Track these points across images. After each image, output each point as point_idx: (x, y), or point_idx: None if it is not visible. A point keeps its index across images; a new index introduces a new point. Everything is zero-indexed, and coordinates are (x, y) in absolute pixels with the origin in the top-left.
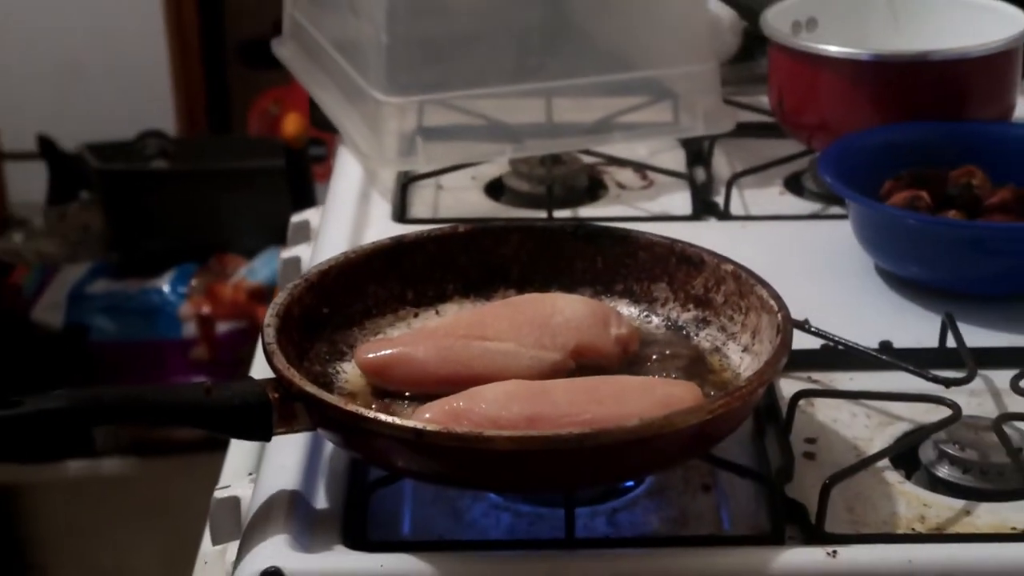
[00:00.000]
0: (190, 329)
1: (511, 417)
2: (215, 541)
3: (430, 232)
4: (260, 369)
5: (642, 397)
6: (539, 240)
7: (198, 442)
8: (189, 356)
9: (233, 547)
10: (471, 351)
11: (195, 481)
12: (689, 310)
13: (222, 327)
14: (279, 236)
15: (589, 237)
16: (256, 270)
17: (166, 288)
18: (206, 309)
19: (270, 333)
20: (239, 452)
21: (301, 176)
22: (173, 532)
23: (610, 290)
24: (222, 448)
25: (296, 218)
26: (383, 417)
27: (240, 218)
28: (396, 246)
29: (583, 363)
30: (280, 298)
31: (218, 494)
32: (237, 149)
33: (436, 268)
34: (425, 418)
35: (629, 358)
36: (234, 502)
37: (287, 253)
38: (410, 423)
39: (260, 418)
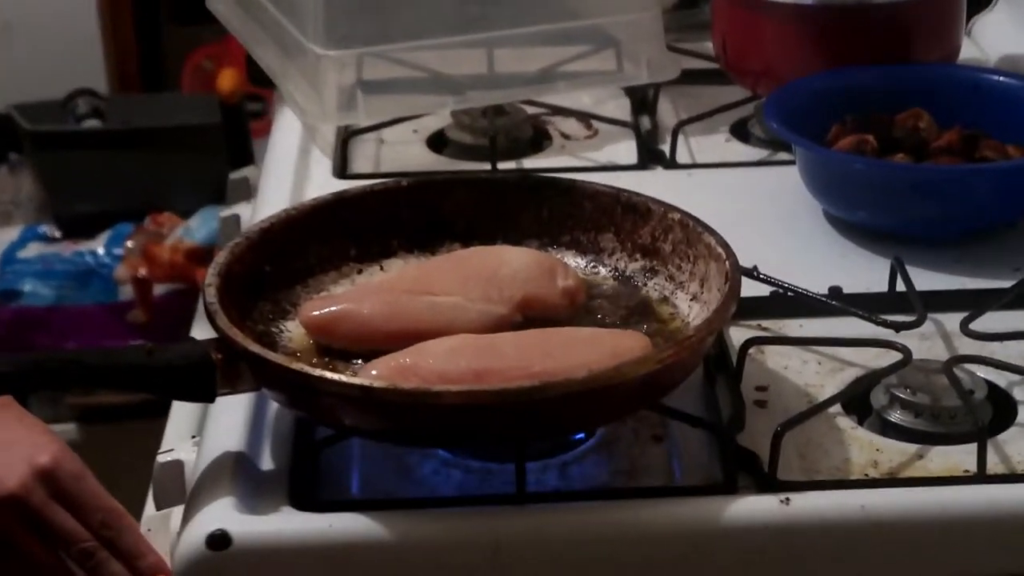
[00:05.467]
0: (126, 292)
1: (459, 372)
2: (159, 506)
3: (372, 187)
4: (201, 331)
5: (591, 348)
6: (483, 192)
7: (140, 407)
8: (126, 320)
9: (178, 512)
10: (417, 306)
11: (138, 448)
12: (637, 260)
13: (159, 289)
14: (217, 195)
15: (533, 188)
16: (193, 230)
17: (100, 250)
18: (142, 271)
19: (211, 292)
20: (181, 415)
21: (238, 133)
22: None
23: (557, 241)
24: (164, 414)
25: (235, 175)
26: (328, 375)
27: (176, 177)
28: (337, 202)
29: (531, 316)
30: (221, 257)
31: (160, 458)
32: (171, 107)
33: (379, 223)
34: (372, 375)
35: (577, 309)
36: (177, 466)
37: (226, 211)
38: (356, 380)
39: (203, 379)
